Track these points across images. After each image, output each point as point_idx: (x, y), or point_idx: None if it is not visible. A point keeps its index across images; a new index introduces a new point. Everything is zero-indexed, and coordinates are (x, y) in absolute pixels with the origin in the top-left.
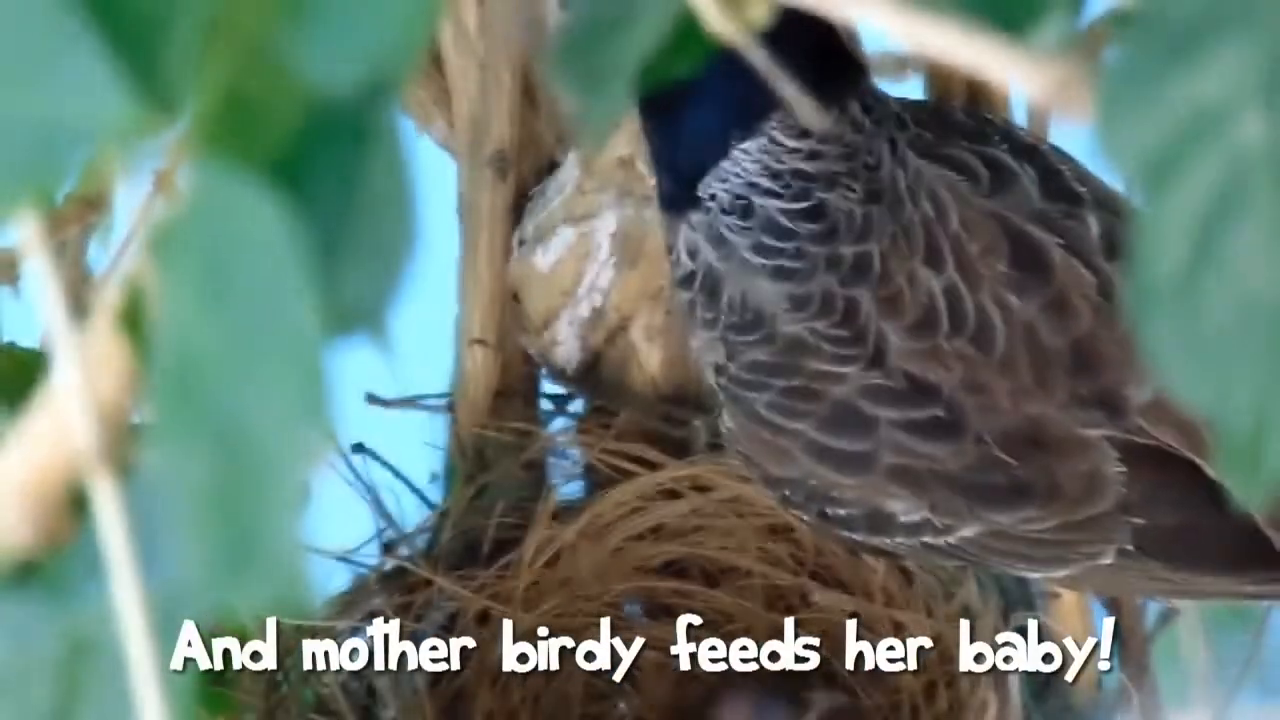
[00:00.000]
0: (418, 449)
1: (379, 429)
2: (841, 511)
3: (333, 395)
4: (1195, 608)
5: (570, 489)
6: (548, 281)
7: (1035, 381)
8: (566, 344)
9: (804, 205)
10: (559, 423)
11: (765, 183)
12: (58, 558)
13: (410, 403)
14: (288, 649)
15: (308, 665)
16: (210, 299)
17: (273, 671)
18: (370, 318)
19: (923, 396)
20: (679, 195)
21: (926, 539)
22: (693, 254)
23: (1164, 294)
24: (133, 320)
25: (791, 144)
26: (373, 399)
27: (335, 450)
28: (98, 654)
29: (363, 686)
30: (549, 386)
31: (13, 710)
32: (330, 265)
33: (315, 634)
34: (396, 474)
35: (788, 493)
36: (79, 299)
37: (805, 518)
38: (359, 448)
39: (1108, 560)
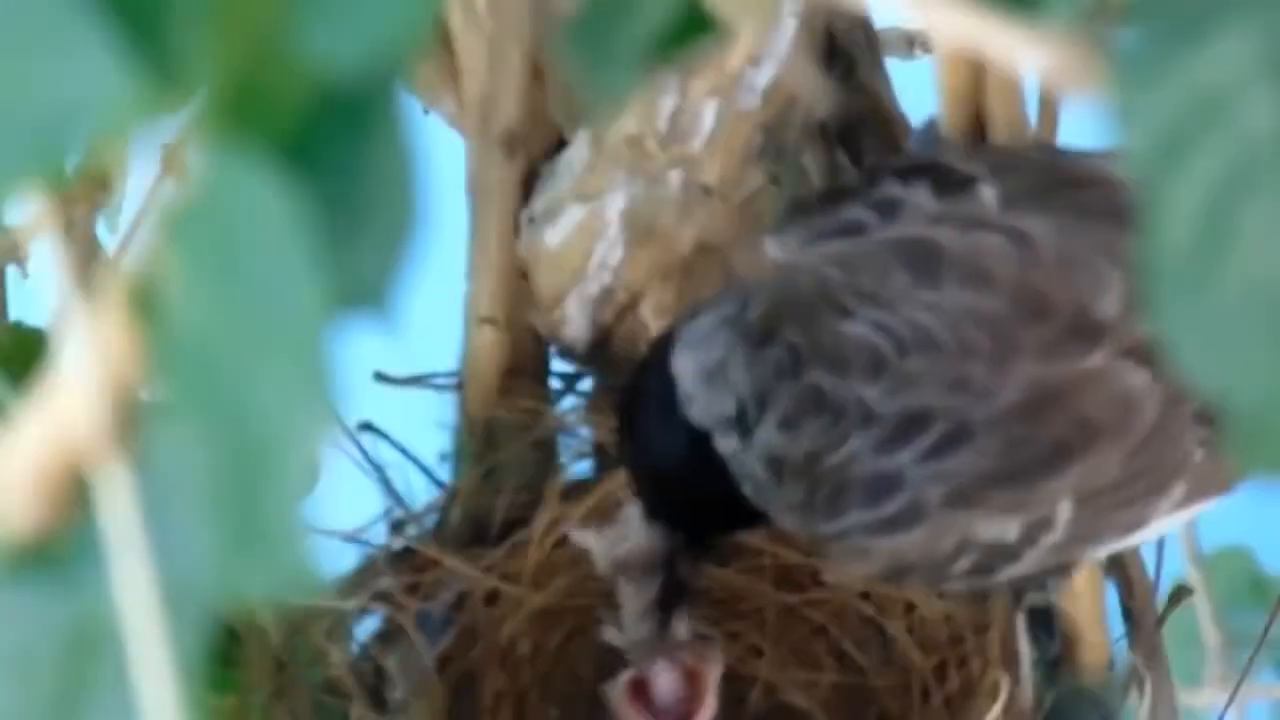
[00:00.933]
0: (426, 428)
1: (388, 408)
2: (957, 569)
3: (335, 378)
4: (1207, 587)
5: (580, 468)
6: (557, 260)
7: (1001, 350)
8: (576, 322)
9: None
10: (569, 401)
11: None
12: (63, 541)
13: (419, 381)
14: (295, 629)
15: (316, 646)
16: (219, 282)
17: (280, 652)
18: (375, 298)
19: (919, 423)
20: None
21: (1047, 542)
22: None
23: (1174, 274)
24: (142, 302)
25: None
26: (381, 378)
27: (343, 430)
28: (103, 638)
29: (371, 667)
30: (558, 365)
31: (17, 694)
32: (336, 246)
33: (323, 614)
34: (405, 453)
35: (905, 582)
36: (87, 277)
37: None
38: (367, 427)
39: (1196, 459)
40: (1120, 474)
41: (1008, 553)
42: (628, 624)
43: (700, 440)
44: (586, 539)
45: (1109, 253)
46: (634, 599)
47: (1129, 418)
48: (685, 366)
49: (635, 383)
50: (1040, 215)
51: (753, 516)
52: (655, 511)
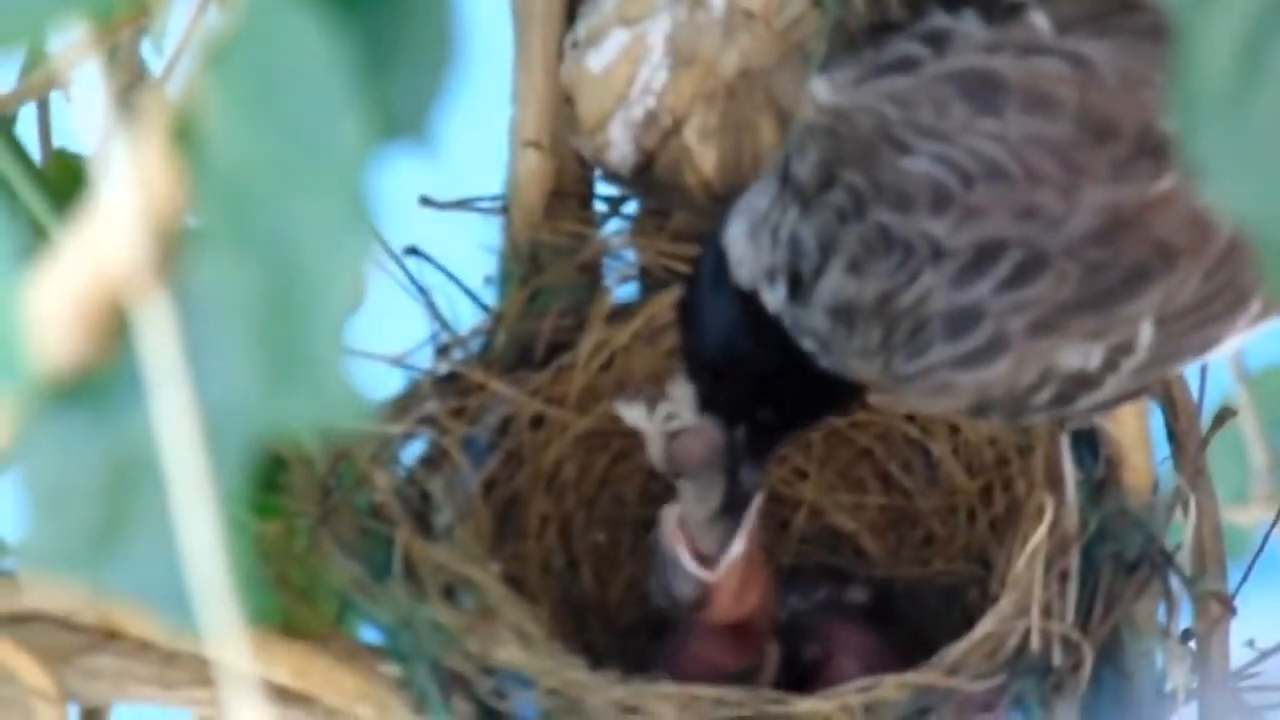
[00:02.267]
0: (472, 252)
1: (433, 232)
2: (1039, 400)
3: (377, 206)
4: (1253, 405)
5: (624, 291)
6: (601, 84)
7: (1069, 174)
8: (620, 146)
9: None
10: (613, 225)
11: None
12: (104, 373)
13: (464, 205)
14: (340, 455)
15: (361, 471)
16: (259, 113)
17: (325, 478)
18: (415, 126)
19: (992, 253)
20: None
21: (1128, 366)
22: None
23: (1210, 104)
24: (183, 133)
25: None
26: (427, 202)
27: (389, 254)
28: (144, 470)
29: (416, 491)
30: (603, 188)
31: (60, 525)
32: (376, 76)
33: (369, 439)
34: (451, 277)
35: (989, 417)
36: (131, 103)
37: (1025, 423)
38: (413, 251)
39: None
40: (1199, 293)
41: (1089, 381)
42: (691, 525)
43: (752, 303)
44: (635, 416)
45: (1168, 72)
46: (695, 503)
47: (1204, 237)
48: (734, 233)
49: (692, 269)
50: (1096, 39)
51: (812, 395)
52: (711, 401)
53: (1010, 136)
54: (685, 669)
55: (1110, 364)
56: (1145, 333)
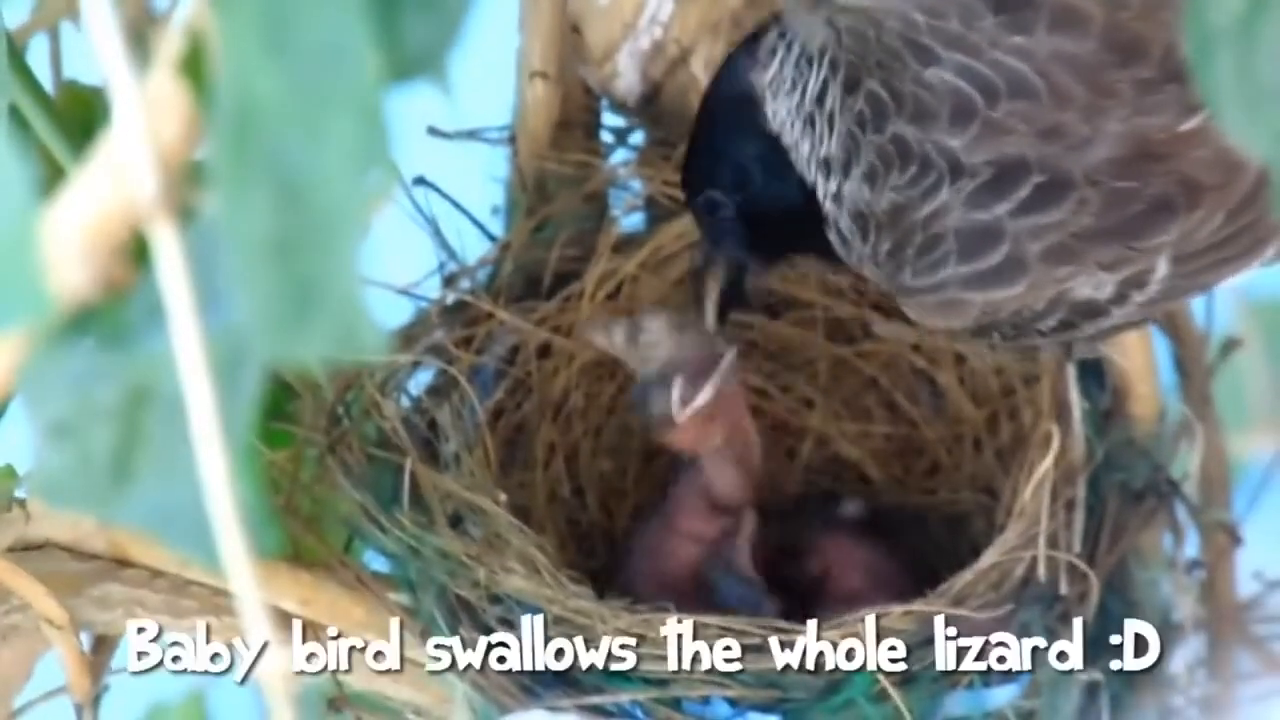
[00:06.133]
0: (479, 182)
1: (440, 162)
2: (1044, 325)
3: (393, 141)
4: (1258, 336)
5: (631, 220)
6: (608, 14)
7: (1096, 95)
8: (627, 76)
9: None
10: (620, 154)
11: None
12: (118, 305)
13: (472, 136)
14: (349, 384)
15: (369, 400)
16: (272, 47)
17: (333, 407)
18: (430, 62)
19: (1015, 173)
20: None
21: (1138, 300)
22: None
23: (1222, 42)
24: (195, 67)
25: None
26: (434, 132)
27: (396, 186)
28: (157, 399)
29: (424, 420)
30: (610, 118)
31: (74, 453)
32: (391, 10)
33: (377, 368)
34: (458, 207)
35: (992, 337)
36: (141, 36)
37: (1025, 345)
38: (420, 181)
39: None
40: (1220, 233)
41: (1096, 310)
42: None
43: (777, 146)
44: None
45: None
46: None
47: (1231, 176)
48: (766, 80)
49: (707, 95)
50: None
51: (810, 238)
52: (710, 229)
53: (1037, 53)
54: (663, 542)
55: (1121, 296)
56: (1161, 268)
